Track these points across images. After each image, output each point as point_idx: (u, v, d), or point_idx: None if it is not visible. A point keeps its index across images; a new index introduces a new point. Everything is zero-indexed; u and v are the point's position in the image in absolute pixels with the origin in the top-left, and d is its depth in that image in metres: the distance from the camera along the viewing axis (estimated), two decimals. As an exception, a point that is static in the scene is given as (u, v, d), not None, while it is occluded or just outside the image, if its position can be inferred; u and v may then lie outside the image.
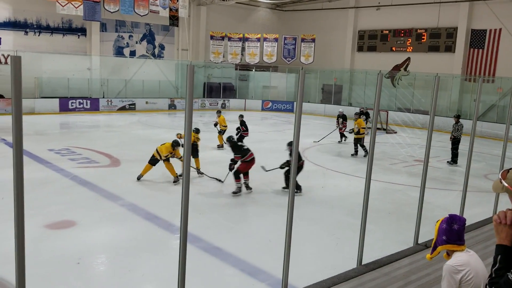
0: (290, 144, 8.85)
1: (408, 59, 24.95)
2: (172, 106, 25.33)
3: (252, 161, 8.87)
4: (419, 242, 5.55)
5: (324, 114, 25.70)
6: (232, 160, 8.94)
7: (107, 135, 15.59)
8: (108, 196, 8.26)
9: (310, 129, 18.86)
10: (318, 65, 27.39)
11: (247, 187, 8.88)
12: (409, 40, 24.73)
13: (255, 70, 29.29)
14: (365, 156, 12.89)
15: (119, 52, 25.67)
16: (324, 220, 7.46)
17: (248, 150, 8.90)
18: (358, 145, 13.46)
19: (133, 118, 20.65)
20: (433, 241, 2.95)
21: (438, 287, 3.44)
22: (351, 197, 8.80)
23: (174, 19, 24.76)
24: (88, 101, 22.53)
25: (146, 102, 24.51)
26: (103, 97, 23.48)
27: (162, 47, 27.40)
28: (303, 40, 27.62)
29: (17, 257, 2.38)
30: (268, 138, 16.65)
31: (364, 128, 13.75)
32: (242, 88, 29.19)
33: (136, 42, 26.29)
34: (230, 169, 8.93)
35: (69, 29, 23.40)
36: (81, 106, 22.10)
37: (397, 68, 25.41)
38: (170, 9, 24.39)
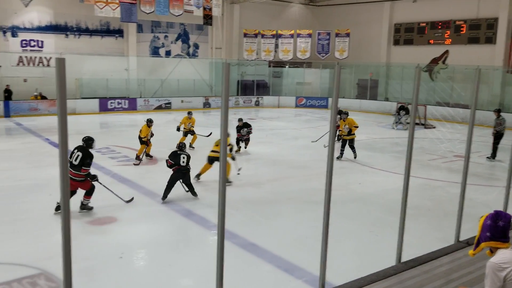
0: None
1: (447, 51, 24.22)
2: (206, 105, 25.61)
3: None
4: (461, 239, 5.40)
5: (360, 110, 25.32)
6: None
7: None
8: (146, 193, 8.46)
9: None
10: (353, 60, 27.00)
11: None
12: (447, 32, 24.00)
13: (289, 67, 29.19)
14: (355, 158, 11.93)
15: (155, 52, 26.16)
16: (361, 217, 7.38)
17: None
18: (349, 146, 11.95)
19: (169, 117, 20.99)
20: (476, 237, 2.87)
21: (481, 285, 3.34)
22: (389, 194, 8.65)
23: (208, 18, 24.99)
24: (126, 101, 23.11)
25: (182, 101, 24.87)
26: (140, 97, 24.02)
27: (196, 46, 27.72)
28: (337, 35, 27.29)
29: (63, 252, 2.48)
30: (302, 135, 16.56)
31: (356, 127, 12.03)
32: (276, 85, 29.15)
33: (171, 42, 26.71)
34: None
35: (107, 31, 24.04)
36: (120, 106, 22.69)
37: (435, 61, 24.72)
38: (204, 8, 24.62)
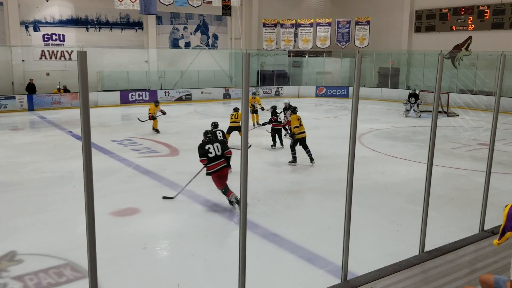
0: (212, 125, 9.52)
1: (470, 38, 23.63)
2: (226, 95, 25.64)
3: (223, 170, 7.10)
4: (485, 228, 5.31)
5: (381, 99, 25.00)
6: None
7: (165, 126, 16.04)
8: (169, 184, 8.54)
9: (366, 114, 18.43)
10: (374, 48, 26.61)
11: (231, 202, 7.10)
12: (470, 18, 23.40)
13: (309, 56, 28.95)
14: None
15: (174, 44, 26.27)
16: (383, 207, 7.31)
17: (215, 157, 7.03)
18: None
19: (189, 108, 21.12)
20: (501, 227, 2.81)
21: (506, 275, 3.28)
22: (411, 183, 8.54)
23: (226, 8, 24.93)
24: (147, 93, 23.32)
25: (202, 92, 24.97)
26: (161, 89, 24.19)
27: (215, 37, 27.72)
28: (357, 23, 26.89)
29: (88, 243, 2.52)
30: (323, 125, 16.45)
31: (296, 127, 10.08)
32: (296, 74, 28.98)
33: (191, 34, 26.77)
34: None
35: (127, 23, 24.24)
36: (141, 98, 22.91)
37: (457, 48, 24.15)
38: (223, -1, 24.57)
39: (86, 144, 2.42)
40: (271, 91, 27.22)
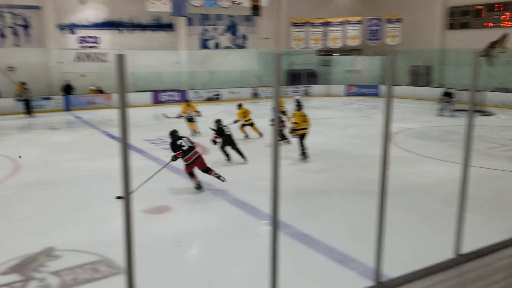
0: (216, 121, 10.56)
1: (506, 35, 22.88)
2: (255, 95, 25.70)
3: (198, 159, 8.17)
4: (524, 231, 5.14)
5: (413, 97, 24.53)
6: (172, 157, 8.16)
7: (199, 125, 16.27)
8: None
9: (398, 113, 18.07)
10: (405, 46, 26.11)
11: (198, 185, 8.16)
12: (505, 15, 22.68)
13: (339, 55, 28.70)
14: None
15: (204, 44, 26.53)
16: (417, 208, 7.19)
17: (190, 148, 8.13)
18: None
19: (218, 108, 21.27)
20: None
21: (547, 280, 3.18)
22: (445, 184, 8.36)
23: (256, 8, 24.99)
24: (178, 93, 23.65)
25: (230, 92, 25.13)
26: (191, 89, 24.49)
27: (244, 37, 27.82)
28: (388, 21, 26.48)
29: (125, 240, 2.59)
30: (353, 124, 16.29)
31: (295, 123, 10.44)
32: (325, 73, 28.76)
33: (220, 34, 26.96)
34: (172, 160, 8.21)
35: (158, 25, 24.63)
36: (172, 98, 23.26)
37: (493, 45, 23.42)
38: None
39: (124, 143, 2.49)
40: (299, 90, 27.11)
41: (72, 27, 22.54)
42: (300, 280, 4.80)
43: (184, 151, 7.98)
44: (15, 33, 21.37)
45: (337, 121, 17.10)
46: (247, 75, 27.02)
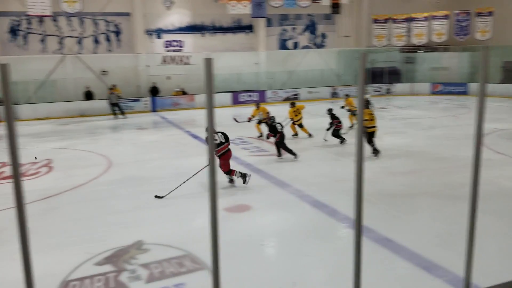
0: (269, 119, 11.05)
1: None
2: (334, 94, 25.33)
3: (227, 153, 8.39)
4: None
5: (507, 95, 22.74)
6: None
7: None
8: (277, 183, 8.70)
9: (490, 113, 16.83)
10: (497, 40, 24.28)
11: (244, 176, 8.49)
12: None
13: (424, 51, 27.39)
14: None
15: (283, 45, 26.65)
16: (510, 215, 6.65)
17: (222, 142, 8.28)
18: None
19: (297, 108, 21.22)
20: None
21: None
22: (545, 190, 7.65)
23: (335, 6, 24.62)
24: (256, 94, 23.99)
25: (309, 92, 24.99)
26: (269, 89, 24.72)
27: (323, 36, 27.54)
28: (478, 14, 24.79)
29: (211, 237, 2.66)
30: (440, 124, 15.47)
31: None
32: (409, 71, 27.61)
33: (299, 34, 26.92)
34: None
35: (238, 27, 25.17)
36: (250, 98, 23.64)
37: None
38: (332, -3, 24.30)
39: (211, 142, 2.56)
40: (381, 89, 26.27)
41: (158, 32, 23.76)
42: (383, 286, 4.66)
43: (216, 145, 8.14)
44: (108, 39, 22.97)
45: (422, 121, 16.32)
46: (326, 74, 26.72)
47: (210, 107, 2.53)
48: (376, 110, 14.17)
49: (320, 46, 27.49)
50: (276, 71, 25.74)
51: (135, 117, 20.05)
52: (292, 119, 13.45)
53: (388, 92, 26.24)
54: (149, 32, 23.58)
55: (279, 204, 7.48)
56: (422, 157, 10.56)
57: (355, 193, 3.21)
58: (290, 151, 10.59)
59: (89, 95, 21.60)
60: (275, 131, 10.59)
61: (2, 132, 16.83)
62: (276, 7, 23.78)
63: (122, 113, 19.83)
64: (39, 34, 21.77)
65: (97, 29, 22.68)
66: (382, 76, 27.04)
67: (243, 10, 23.04)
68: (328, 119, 12.39)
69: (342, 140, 12.09)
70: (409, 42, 26.58)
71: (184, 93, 23.18)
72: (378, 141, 12.33)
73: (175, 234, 6.16)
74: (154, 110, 21.91)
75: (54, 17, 21.26)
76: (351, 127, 14.29)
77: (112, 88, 20.64)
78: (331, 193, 7.88)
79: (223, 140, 8.28)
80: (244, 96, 23.76)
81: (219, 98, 22.91)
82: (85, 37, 22.53)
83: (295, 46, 26.96)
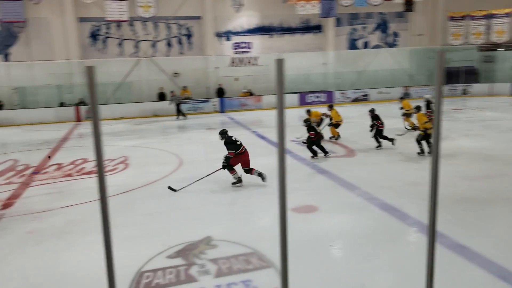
0: (305, 120, 11.05)
1: None
2: (406, 95, 24.44)
3: (244, 153, 8.78)
4: None
5: None
6: (226, 157, 8.71)
7: (340, 126, 16.16)
8: (345, 185, 8.57)
9: None
10: None
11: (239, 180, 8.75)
12: None
13: (505, 50, 25.68)
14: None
15: (352, 44, 26.18)
16: None
17: (240, 145, 8.75)
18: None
19: (365, 109, 20.74)
20: None
21: None
22: None
23: (409, 4, 23.79)
24: (324, 94, 23.77)
25: (379, 92, 24.33)
26: (338, 90, 24.39)
27: (395, 34, 26.72)
28: None
29: (280, 237, 2.71)
30: (522, 127, 14.42)
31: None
32: (487, 71, 26.01)
33: (369, 33, 26.32)
34: (223, 167, 8.72)
35: (307, 28, 25.10)
36: (318, 99, 23.48)
37: None
38: (405, -5, 23.51)
39: (281, 143, 2.60)
40: (457, 89, 24.99)
41: (227, 34, 24.29)
42: (456, 295, 4.45)
43: (237, 146, 8.64)
44: (180, 42, 23.85)
45: (503, 124, 15.32)
46: (398, 74, 25.88)
47: (281, 107, 2.58)
48: (450, 111, 13.54)
49: (391, 45, 26.69)
50: (345, 71, 25.35)
51: (204, 118, 20.63)
52: (331, 120, 13.25)
53: (464, 93, 24.91)
54: (218, 35, 24.17)
55: (347, 206, 7.37)
56: (502, 162, 9.93)
57: (430, 197, 3.11)
58: (322, 149, 10.91)
59: (162, 96, 22.57)
60: (314, 130, 10.75)
61: (82, 130, 18.08)
62: (346, 6, 23.41)
63: (183, 114, 20.50)
64: (117, 38, 23.07)
65: (170, 33, 23.62)
66: (458, 76, 25.70)
67: (312, 10, 22.92)
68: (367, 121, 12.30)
69: (391, 140, 11.85)
70: (488, 40, 25.06)
71: (251, 94, 23.50)
72: (453, 143, 11.81)
73: (242, 232, 6.28)
74: (222, 110, 22.43)
75: (131, 22, 22.45)
76: (408, 129, 13.77)
77: (172, 92, 21.51)
78: (401, 197, 7.64)
79: (240, 142, 8.83)
80: (311, 97, 23.63)
81: (286, 98, 22.92)
82: (158, 41, 23.55)
83: (365, 45, 26.38)
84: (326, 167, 9.96)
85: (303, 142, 11.46)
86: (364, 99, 24.16)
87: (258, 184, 8.75)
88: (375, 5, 23.45)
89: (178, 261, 5.39)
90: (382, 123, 11.86)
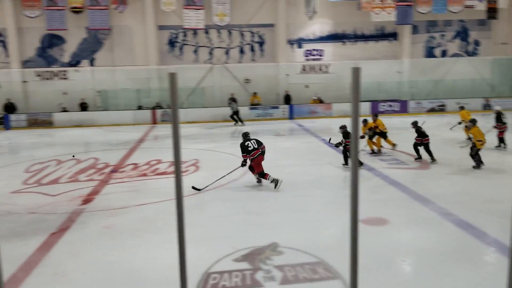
0: (341, 127, 10.83)
1: None
2: (486, 106, 23.07)
3: (258, 157, 9.20)
4: None
5: None
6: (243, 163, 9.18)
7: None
8: (418, 198, 8.24)
9: None
10: None
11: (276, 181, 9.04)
12: None
13: None
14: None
15: (429, 52, 25.17)
16: None
17: (252, 150, 9.17)
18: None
19: (442, 119, 19.85)
20: None
21: None
22: None
23: (492, 11, 22.48)
24: (397, 103, 23.03)
25: (457, 103, 23.11)
26: (412, 99, 23.53)
27: (476, 43, 25.32)
28: None
29: (351, 249, 2.66)
30: None
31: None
32: None
33: (448, 41, 25.17)
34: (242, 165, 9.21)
35: (381, 35, 24.49)
36: (391, 108, 22.80)
37: None
38: (488, 1, 22.23)
39: (354, 153, 2.57)
40: (545, 102, 23.15)
41: (299, 42, 24.33)
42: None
43: (248, 151, 9.11)
44: (252, 49, 24.25)
45: None
46: (478, 84, 24.49)
47: (355, 116, 2.54)
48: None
49: (472, 54, 25.31)
50: (421, 80, 24.40)
51: (273, 124, 20.78)
52: (379, 130, 12.69)
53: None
54: (290, 42, 24.28)
55: (419, 220, 7.07)
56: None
57: (512, 216, 2.90)
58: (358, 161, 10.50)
59: (232, 102, 23.07)
60: (349, 137, 10.55)
61: (158, 133, 18.93)
62: (424, 13, 22.59)
63: (241, 121, 20.80)
64: (193, 45, 23.94)
65: (243, 40, 24.10)
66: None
67: (387, 17, 22.35)
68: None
69: (420, 156, 11.36)
70: None
71: (321, 101, 23.32)
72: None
73: (308, 240, 6.23)
74: (291, 117, 22.46)
75: (206, 29, 23.20)
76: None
77: (232, 96, 21.87)
78: (478, 213, 7.21)
79: (255, 146, 9.21)
80: (384, 105, 22.99)
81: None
82: (232, 48, 24.11)
83: (443, 54, 25.24)
84: (398, 179, 9.63)
85: (335, 145, 11.22)
86: (441, 109, 23.09)
87: (325, 192, 8.65)
88: (455, 12, 22.40)
89: (244, 265, 5.46)
90: (427, 136, 11.28)
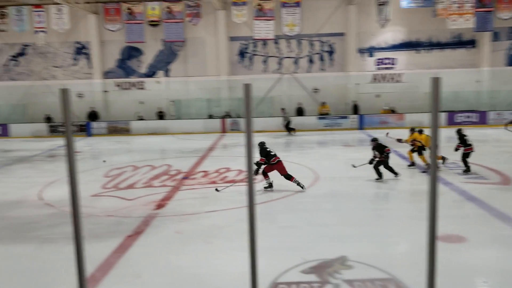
0: (373, 140, 10.75)
1: None
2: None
3: (277, 164, 9.73)
4: None
5: None
6: (256, 163, 9.52)
7: (495, 150, 14.60)
8: (499, 215, 7.70)
9: None
10: None
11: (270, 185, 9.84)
12: None
13: None
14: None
15: (511, 61, 23.59)
16: None
17: (274, 155, 9.76)
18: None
19: (527, 132, 18.47)
20: None
21: None
22: None
23: None
24: (476, 114, 21.77)
25: (543, 114, 21.42)
26: (492, 110, 22.14)
27: None
28: None
29: (428, 267, 2.55)
30: None
31: None
32: None
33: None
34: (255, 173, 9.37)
35: (458, 43, 23.35)
36: (468, 119, 21.60)
37: None
38: None
39: (433, 167, 2.46)
40: None
41: (371, 50, 23.82)
42: None
43: (270, 156, 9.70)
44: (321, 59, 24.10)
45: None
46: None
47: (435, 126, 2.44)
48: None
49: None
50: (502, 90, 22.89)
51: (342, 134, 20.44)
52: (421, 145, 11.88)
53: None
54: (361, 51, 23.84)
55: (501, 239, 6.60)
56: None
57: None
58: (392, 170, 10.60)
59: (300, 111, 23.03)
60: (381, 151, 10.47)
61: (227, 141, 19.31)
62: (506, 19, 21.25)
63: (294, 130, 20.96)
64: (262, 55, 24.25)
65: (312, 50, 24.03)
66: None
67: (465, 24, 21.28)
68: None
69: (468, 168, 11.01)
70: None
71: (393, 111, 22.61)
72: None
73: (378, 255, 6.03)
74: (361, 127, 21.98)
75: (276, 40, 23.42)
76: None
77: (283, 108, 21.99)
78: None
79: (275, 153, 9.85)
80: (461, 116, 21.82)
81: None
82: (300, 57, 24.12)
83: (529, 61, 23.55)
84: (477, 194, 9.07)
85: (369, 163, 10.77)
86: (524, 121, 21.51)
87: (396, 206, 8.35)
88: (542, 16, 20.86)
89: (312, 277, 5.39)
90: (470, 145, 11.21)
